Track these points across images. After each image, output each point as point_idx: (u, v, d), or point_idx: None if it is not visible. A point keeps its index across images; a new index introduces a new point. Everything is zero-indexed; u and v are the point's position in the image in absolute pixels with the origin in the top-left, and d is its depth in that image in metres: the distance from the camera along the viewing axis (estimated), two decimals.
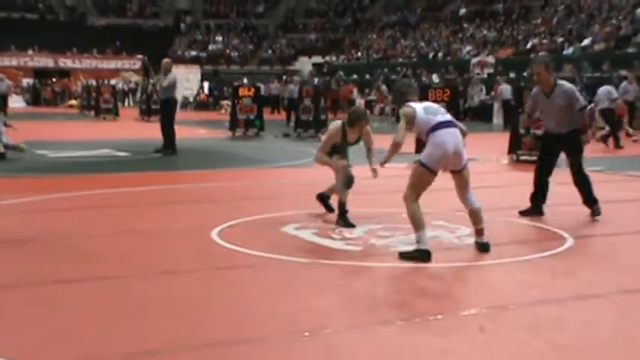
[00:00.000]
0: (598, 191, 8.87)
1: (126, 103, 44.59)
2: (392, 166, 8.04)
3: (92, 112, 34.05)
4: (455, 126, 6.75)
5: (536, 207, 8.80)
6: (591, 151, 17.69)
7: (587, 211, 8.79)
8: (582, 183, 8.76)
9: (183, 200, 10.03)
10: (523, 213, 8.77)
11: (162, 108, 16.84)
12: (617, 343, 4.58)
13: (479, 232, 6.88)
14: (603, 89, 19.42)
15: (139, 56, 47.79)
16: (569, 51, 33.48)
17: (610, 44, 32.16)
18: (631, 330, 4.80)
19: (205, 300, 5.42)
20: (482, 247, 6.83)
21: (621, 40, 32.08)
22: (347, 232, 7.63)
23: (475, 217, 6.89)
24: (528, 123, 13.31)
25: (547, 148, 9.02)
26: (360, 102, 37.94)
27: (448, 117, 6.81)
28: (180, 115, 17.51)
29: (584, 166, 8.86)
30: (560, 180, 12.46)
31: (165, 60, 16.92)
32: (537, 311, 5.15)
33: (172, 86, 16.35)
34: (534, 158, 14.64)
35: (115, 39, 50.20)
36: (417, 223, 6.58)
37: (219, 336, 4.59)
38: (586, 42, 33.32)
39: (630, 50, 30.68)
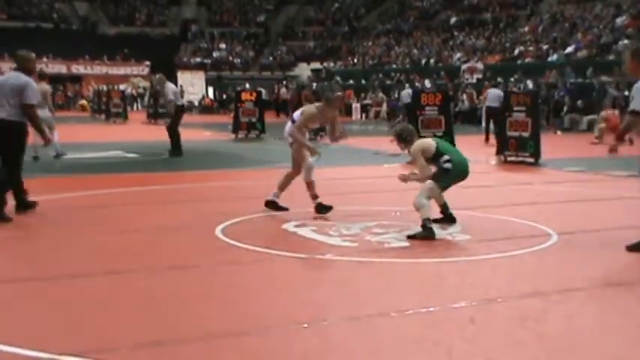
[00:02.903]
0: (580, 190, 8.86)
1: (134, 107, 44.57)
2: (388, 166, 8.04)
3: (103, 116, 34.03)
4: None
5: None
6: (576, 151, 17.78)
7: (571, 208, 8.77)
8: None
9: (189, 199, 10.02)
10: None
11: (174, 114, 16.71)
12: (598, 334, 4.57)
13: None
14: None
15: (147, 63, 47.80)
16: (553, 58, 33.51)
17: (592, 51, 32.20)
18: (612, 322, 4.80)
19: (209, 293, 5.42)
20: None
21: (602, 48, 32.11)
22: (344, 229, 7.63)
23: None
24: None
25: None
26: (356, 106, 38.00)
27: None
28: (185, 118, 17.49)
29: None
30: (546, 179, 12.48)
31: (158, 76, 17.15)
32: (524, 304, 5.15)
33: (174, 95, 16.46)
34: (521, 159, 14.74)
35: (125, 46, 50.19)
36: None
37: (223, 327, 4.59)
38: (569, 49, 33.35)
39: (611, 57, 30.71)
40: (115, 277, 5.84)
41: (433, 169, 7.43)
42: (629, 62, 7.53)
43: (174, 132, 16.23)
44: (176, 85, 22.26)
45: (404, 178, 7.56)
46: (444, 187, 7.49)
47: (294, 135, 8.52)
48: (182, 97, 19.26)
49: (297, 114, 8.70)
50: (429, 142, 7.55)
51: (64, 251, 6.78)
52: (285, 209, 8.59)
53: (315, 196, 8.49)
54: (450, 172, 7.35)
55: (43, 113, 15.14)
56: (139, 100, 46.71)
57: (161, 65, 47.27)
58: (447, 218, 7.80)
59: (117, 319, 4.74)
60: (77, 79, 49.85)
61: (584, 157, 16.25)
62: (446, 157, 7.37)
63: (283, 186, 8.68)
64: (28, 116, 8.42)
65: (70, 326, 4.60)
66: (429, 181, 7.35)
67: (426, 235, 7.12)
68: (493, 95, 20.50)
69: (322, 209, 8.43)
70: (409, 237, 7.15)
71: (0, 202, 8.13)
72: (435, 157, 7.39)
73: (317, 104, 8.66)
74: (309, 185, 8.48)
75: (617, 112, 21.17)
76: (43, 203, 9.16)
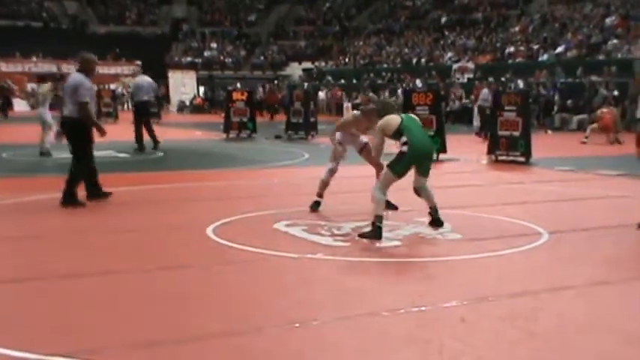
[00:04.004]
0: (569, 189, 8.91)
1: (125, 107, 44.44)
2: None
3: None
4: None
5: None
6: (568, 150, 17.85)
7: (561, 207, 8.81)
8: None
9: (180, 199, 10.02)
10: None
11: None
12: (588, 332, 4.61)
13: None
14: None
15: (138, 62, 47.71)
16: (544, 57, 33.59)
17: (582, 51, 32.29)
18: (601, 320, 4.83)
19: (201, 294, 5.42)
20: None
21: (592, 48, 32.22)
22: (335, 229, 7.65)
23: None
24: None
25: None
26: (347, 105, 37.99)
27: None
28: (177, 118, 17.58)
29: None
30: (537, 178, 12.53)
31: (134, 69, 18.37)
32: (514, 303, 5.18)
33: (138, 90, 17.74)
34: (512, 158, 14.80)
35: (115, 46, 49.98)
36: None
37: (215, 327, 4.60)
38: (560, 49, 33.43)
39: (600, 57, 30.82)
40: (106, 277, 5.83)
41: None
42: None
43: (137, 128, 17.34)
44: (157, 83, 22.66)
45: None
46: (399, 174, 7.30)
47: (331, 135, 8.89)
48: (154, 92, 19.95)
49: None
50: (394, 119, 7.45)
51: (54, 251, 6.77)
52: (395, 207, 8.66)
53: (319, 195, 8.76)
54: (404, 157, 7.25)
55: (43, 112, 15.36)
56: (129, 99, 46.54)
57: (152, 65, 47.32)
58: (435, 222, 7.67)
59: (108, 319, 4.74)
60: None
61: (575, 156, 16.33)
62: (404, 139, 7.28)
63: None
64: (79, 113, 9.11)
65: (60, 327, 4.59)
66: (385, 169, 7.38)
67: (372, 235, 7.10)
68: (486, 94, 20.60)
69: (317, 205, 8.73)
70: (360, 236, 7.19)
71: (71, 192, 9.08)
72: (395, 135, 7.39)
73: (355, 113, 8.84)
74: (323, 184, 8.77)
75: (614, 109, 21.18)
76: (32, 203, 9.16)
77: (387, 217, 8.05)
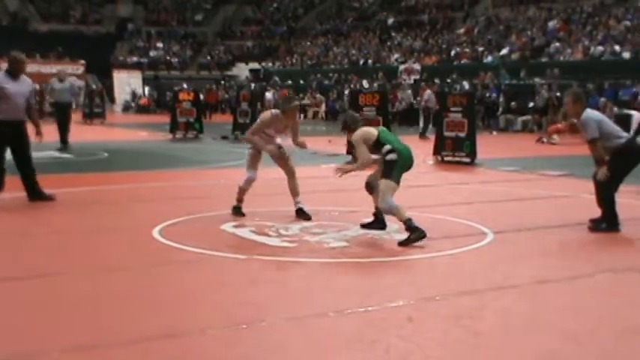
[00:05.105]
0: (514, 189, 9.05)
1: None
2: (326, 167, 8.07)
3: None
4: None
5: None
6: (510, 151, 18.12)
7: (506, 207, 8.92)
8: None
9: (126, 200, 9.89)
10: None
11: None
12: (532, 330, 4.68)
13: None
14: None
15: (82, 61, 46.91)
16: (489, 59, 34.11)
17: (525, 53, 32.87)
18: (545, 318, 4.91)
19: (146, 295, 5.35)
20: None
21: (535, 50, 32.83)
22: (283, 230, 7.63)
23: None
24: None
25: None
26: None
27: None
28: (122, 118, 17.36)
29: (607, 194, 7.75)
30: (482, 179, 12.70)
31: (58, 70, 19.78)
32: (460, 302, 5.24)
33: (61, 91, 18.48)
34: (457, 159, 14.97)
35: (58, 44, 49.10)
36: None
37: (159, 329, 4.53)
38: (504, 51, 33.99)
39: (543, 59, 31.43)
40: (46, 279, 5.72)
41: (376, 157, 7.27)
42: (571, 106, 7.90)
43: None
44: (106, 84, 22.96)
45: (342, 171, 7.50)
46: (398, 181, 7.16)
47: (248, 140, 8.61)
48: (76, 94, 21.07)
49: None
50: (371, 130, 7.36)
51: None
52: (309, 218, 8.33)
53: (239, 200, 8.49)
54: (396, 163, 7.12)
55: None
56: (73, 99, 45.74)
57: (97, 64, 46.56)
58: (378, 222, 7.61)
59: (48, 322, 4.64)
60: None
61: (519, 157, 16.60)
62: (388, 147, 7.16)
63: (293, 191, 8.53)
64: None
65: None
66: (382, 181, 7.12)
67: (416, 236, 6.90)
68: (428, 95, 20.89)
69: (237, 210, 8.45)
70: (400, 244, 6.93)
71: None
72: (376, 146, 7.21)
73: (273, 111, 8.57)
74: (241, 190, 8.48)
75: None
76: None
77: (336, 218, 8.06)
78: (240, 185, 8.49)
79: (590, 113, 7.80)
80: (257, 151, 8.48)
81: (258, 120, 8.70)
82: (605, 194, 7.71)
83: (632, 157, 7.79)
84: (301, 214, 8.28)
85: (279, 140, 8.57)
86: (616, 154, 7.68)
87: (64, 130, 17.80)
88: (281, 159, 8.50)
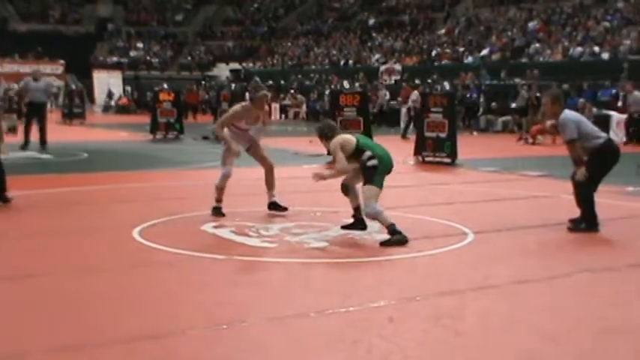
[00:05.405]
0: (494, 189, 9.09)
1: (48, 107, 43.34)
2: (308, 167, 8.07)
3: (14, 116, 32.96)
4: None
5: None
6: (497, 151, 18.23)
7: (486, 207, 8.96)
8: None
9: (106, 201, 9.84)
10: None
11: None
12: (511, 330, 4.71)
13: None
14: None
15: (62, 61, 46.62)
16: (469, 60, 34.27)
17: (506, 54, 33.07)
18: (524, 318, 4.94)
19: (126, 295, 5.33)
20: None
21: (515, 51, 33.03)
22: (263, 230, 7.62)
23: None
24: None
25: None
26: (275, 106, 37.95)
27: None
28: (102, 118, 17.26)
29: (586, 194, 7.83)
30: (462, 179, 12.76)
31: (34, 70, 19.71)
32: (440, 302, 5.26)
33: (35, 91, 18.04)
34: (438, 159, 15.02)
35: (37, 44, 48.76)
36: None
37: (140, 330, 4.52)
38: (484, 52, 34.17)
39: (523, 60, 31.63)
40: (27, 280, 5.68)
41: (354, 166, 7.28)
42: (550, 107, 7.94)
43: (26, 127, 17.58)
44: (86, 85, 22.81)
45: (319, 177, 7.49)
46: (381, 186, 7.17)
47: (216, 132, 8.57)
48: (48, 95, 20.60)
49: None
50: (349, 138, 7.37)
51: None
52: (284, 209, 8.54)
53: (218, 200, 8.47)
54: (377, 169, 7.13)
55: None
56: (53, 99, 45.44)
57: (77, 64, 46.28)
58: (358, 222, 7.61)
59: (30, 323, 4.62)
60: None
61: (500, 157, 16.68)
62: (368, 154, 7.17)
63: (269, 184, 8.62)
64: None
65: None
66: (366, 187, 7.13)
67: (398, 239, 6.97)
68: (416, 96, 21.00)
69: (217, 210, 8.43)
70: (382, 244, 6.98)
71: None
72: (356, 154, 7.21)
73: (243, 103, 8.65)
74: (219, 189, 8.46)
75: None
76: None
77: (316, 219, 8.07)
78: (217, 184, 8.47)
79: (568, 114, 7.86)
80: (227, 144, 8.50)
81: (229, 111, 8.69)
82: (584, 194, 7.77)
83: (610, 158, 7.86)
84: (274, 207, 8.33)
85: (251, 133, 8.60)
86: (594, 154, 7.74)
87: (42, 132, 17.62)
88: (255, 154, 8.55)
